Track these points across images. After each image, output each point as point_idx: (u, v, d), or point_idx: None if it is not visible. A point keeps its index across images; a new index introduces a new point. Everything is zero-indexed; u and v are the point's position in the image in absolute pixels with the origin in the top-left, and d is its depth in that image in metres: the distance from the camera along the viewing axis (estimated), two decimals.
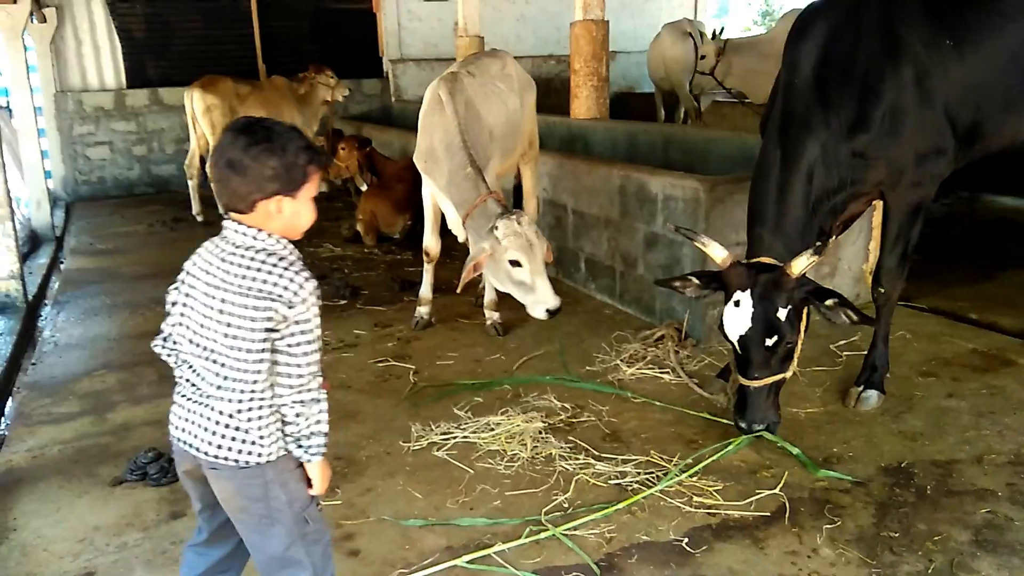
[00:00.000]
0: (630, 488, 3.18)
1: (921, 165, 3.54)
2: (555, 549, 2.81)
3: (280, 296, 1.82)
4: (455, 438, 3.60)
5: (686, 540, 2.83)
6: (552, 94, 10.93)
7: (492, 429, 3.66)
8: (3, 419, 4.20)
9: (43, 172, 8.59)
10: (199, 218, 8.52)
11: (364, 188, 7.82)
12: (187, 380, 1.95)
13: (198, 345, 1.89)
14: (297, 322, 1.84)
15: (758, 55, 8.96)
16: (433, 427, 3.70)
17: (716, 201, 4.46)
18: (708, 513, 3.00)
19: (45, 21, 9.88)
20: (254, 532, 2.01)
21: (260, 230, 1.88)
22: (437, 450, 3.51)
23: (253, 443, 1.88)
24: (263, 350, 1.83)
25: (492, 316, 4.96)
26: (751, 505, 3.04)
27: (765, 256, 3.28)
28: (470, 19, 9.74)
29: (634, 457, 3.41)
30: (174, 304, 1.98)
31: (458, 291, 4.07)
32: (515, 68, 5.13)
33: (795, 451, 3.36)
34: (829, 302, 3.17)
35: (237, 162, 1.82)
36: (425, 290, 5.09)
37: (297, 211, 1.91)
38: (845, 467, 3.30)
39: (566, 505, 3.08)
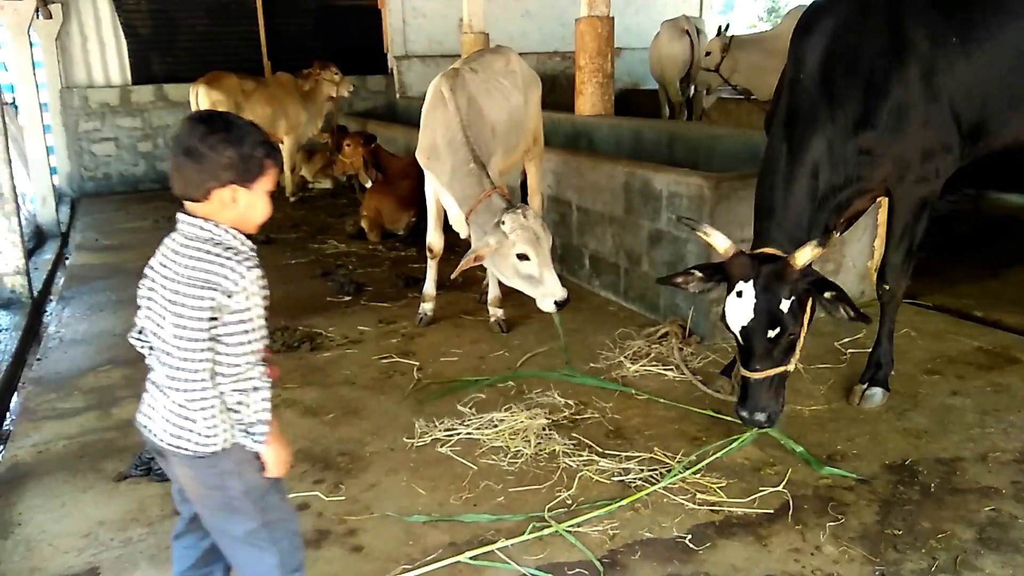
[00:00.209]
0: (634, 485, 3.18)
1: (927, 162, 3.52)
2: (559, 545, 2.82)
3: (219, 285, 1.83)
4: (459, 434, 3.60)
5: (689, 537, 2.84)
6: (557, 90, 10.90)
7: (496, 425, 3.67)
8: (8, 414, 4.21)
9: (48, 168, 8.62)
10: None
11: (368, 184, 7.82)
12: (153, 369, 1.99)
13: (157, 336, 1.93)
14: (234, 311, 1.85)
15: (763, 51, 8.95)
16: (437, 423, 3.71)
17: (721, 198, 4.45)
18: (711, 510, 3.00)
19: (51, 17, 9.88)
20: (215, 519, 2.04)
21: (211, 221, 1.90)
22: (441, 446, 3.52)
23: (202, 433, 1.90)
24: (207, 339, 1.85)
25: (496, 313, 4.96)
26: (755, 502, 3.04)
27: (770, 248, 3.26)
28: (475, 15, 9.74)
29: (638, 454, 3.41)
30: (143, 298, 2.01)
31: (452, 276, 4.09)
32: (519, 64, 5.12)
33: (798, 449, 3.35)
34: (828, 294, 3.14)
35: (194, 149, 1.84)
36: (429, 287, 5.09)
37: (252, 203, 1.93)
38: (849, 464, 3.30)
39: (569, 502, 3.08)
